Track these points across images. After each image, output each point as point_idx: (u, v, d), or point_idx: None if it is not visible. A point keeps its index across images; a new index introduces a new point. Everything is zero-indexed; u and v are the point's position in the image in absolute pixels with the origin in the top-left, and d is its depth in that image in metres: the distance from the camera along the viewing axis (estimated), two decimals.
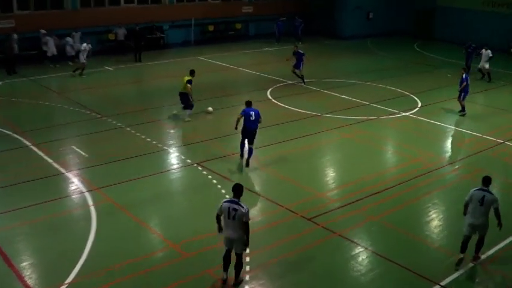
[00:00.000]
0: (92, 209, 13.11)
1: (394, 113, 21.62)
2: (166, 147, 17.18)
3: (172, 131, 18.99)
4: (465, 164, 16.82)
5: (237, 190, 9.99)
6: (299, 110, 21.53)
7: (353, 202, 13.81)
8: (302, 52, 26.31)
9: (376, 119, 20.93)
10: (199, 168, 15.61)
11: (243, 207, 9.80)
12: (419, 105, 22.93)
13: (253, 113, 15.68)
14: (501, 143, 18.63)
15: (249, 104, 15.97)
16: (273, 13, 39.91)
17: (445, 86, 26.71)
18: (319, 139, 18.63)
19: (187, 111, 19.93)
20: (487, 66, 27.37)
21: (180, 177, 15.30)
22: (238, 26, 39.57)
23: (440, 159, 17.10)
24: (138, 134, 18.34)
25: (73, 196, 13.77)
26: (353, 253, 11.64)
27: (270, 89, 24.38)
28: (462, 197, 14.24)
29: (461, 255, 11.26)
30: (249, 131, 15.75)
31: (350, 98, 23.59)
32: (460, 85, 21.93)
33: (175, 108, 20.89)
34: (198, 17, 36.52)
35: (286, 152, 17.25)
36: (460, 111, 21.95)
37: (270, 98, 23.01)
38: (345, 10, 40.95)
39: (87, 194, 13.82)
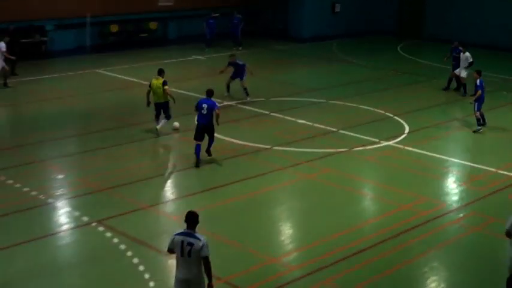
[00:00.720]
0: None
1: (373, 143, 21.90)
2: (52, 200, 16.84)
3: (61, 175, 18.67)
4: (474, 210, 17.08)
5: (192, 219, 10.68)
6: (240, 142, 21.53)
7: (319, 269, 13.73)
8: (242, 63, 26.49)
9: (348, 151, 21.13)
10: (101, 228, 15.31)
11: (200, 240, 10.49)
12: (407, 130, 23.34)
13: (205, 106, 18.74)
14: None
15: (208, 93, 19.15)
16: (201, 7, 40.17)
17: (441, 104, 27.33)
18: (269, 182, 18.61)
19: (163, 121, 21.96)
20: (464, 74, 28.25)
21: (72, 242, 14.96)
22: (154, 25, 39.61)
23: (439, 205, 17.32)
24: (9, 181, 17.92)
25: None
26: None
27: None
28: (471, 257, 14.52)
29: None
30: (201, 127, 18.98)
31: (310, 124, 23.79)
32: (475, 93, 22.71)
33: (81, 139, 20.56)
34: (95, 13, 36.38)
35: (224, 202, 17.12)
36: (477, 128, 22.94)
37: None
38: (302, 2, 41.60)
39: None
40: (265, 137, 22.13)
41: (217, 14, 38.85)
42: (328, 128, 23.36)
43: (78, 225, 15.53)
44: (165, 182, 18.66)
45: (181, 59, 35.23)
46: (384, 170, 19.97)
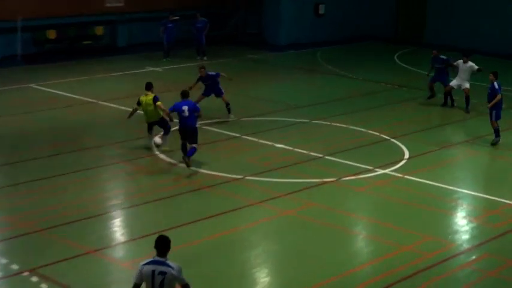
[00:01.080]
0: None
1: (366, 171, 21.94)
2: None
3: None
4: (488, 251, 17.09)
5: (163, 245, 10.91)
6: (207, 172, 21.51)
7: None
8: (215, 73, 26.51)
9: (336, 181, 21.15)
10: (34, 278, 15.14)
11: (172, 268, 10.75)
12: (406, 155, 23.43)
13: (186, 107, 21.08)
14: None
15: (184, 95, 21.59)
16: (157, 9, 40.18)
17: (446, 124, 27.48)
18: (242, 220, 18.58)
19: (165, 137, 22.99)
20: (467, 85, 28.55)
21: None
22: (100, 30, 39.62)
23: (447, 246, 17.33)
24: None
25: None
26: None
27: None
28: None
29: None
30: (185, 130, 21.28)
31: (291, 148, 23.83)
32: (491, 98, 23.01)
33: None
34: (28, 16, 36.28)
35: (188, 244, 16.99)
36: (495, 139, 23.59)
37: (157, 152, 22.86)
38: (279, 2, 41.73)
39: None
40: (237, 165, 22.13)
41: (177, 17, 38.90)
42: (312, 153, 23.40)
43: (6, 275, 15.34)
44: (115, 220, 18.53)
45: (133, 71, 35.19)
46: (379, 204, 19.97)
